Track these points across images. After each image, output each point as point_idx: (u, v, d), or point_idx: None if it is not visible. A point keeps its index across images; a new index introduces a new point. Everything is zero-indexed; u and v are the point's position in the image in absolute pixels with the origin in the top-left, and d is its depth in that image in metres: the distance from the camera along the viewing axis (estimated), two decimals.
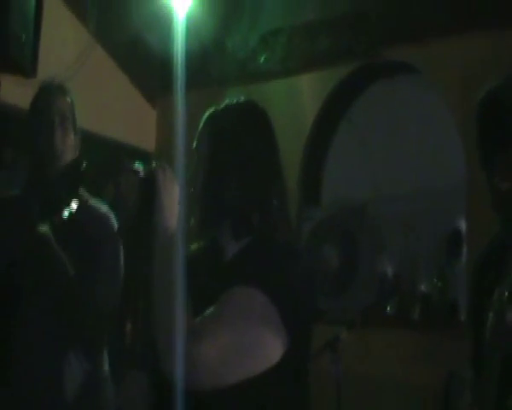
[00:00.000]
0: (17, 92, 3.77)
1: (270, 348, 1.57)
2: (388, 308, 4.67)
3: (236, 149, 1.71)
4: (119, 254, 2.46)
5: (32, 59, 3.64)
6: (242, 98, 1.82)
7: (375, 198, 4.85)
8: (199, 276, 1.67)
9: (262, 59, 5.28)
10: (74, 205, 2.26)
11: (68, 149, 2.49)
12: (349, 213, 4.79)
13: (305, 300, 1.65)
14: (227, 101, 1.82)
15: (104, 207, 2.51)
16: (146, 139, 5.69)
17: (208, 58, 5.37)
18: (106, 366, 2.49)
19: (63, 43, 4.70)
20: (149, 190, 1.66)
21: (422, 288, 4.59)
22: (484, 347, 1.61)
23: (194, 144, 1.78)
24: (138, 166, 1.70)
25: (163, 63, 5.08)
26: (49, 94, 2.53)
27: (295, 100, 5.18)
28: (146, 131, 5.73)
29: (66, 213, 2.23)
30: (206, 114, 1.80)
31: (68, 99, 2.53)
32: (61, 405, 2.37)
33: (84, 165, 2.46)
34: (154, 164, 1.71)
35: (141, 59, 5.51)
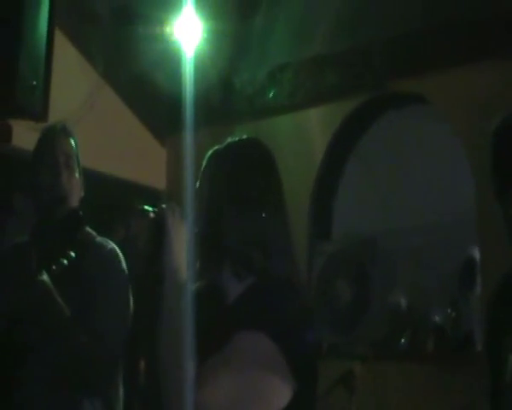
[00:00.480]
0: (28, 137, 3.79)
1: (277, 394, 1.55)
2: (402, 341, 4.61)
3: (235, 187, 1.70)
4: (127, 291, 2.44)
5: (43, 103, 3.66)
6: (245, 136, 1.82)
7: (385, 231, 4.82)
8: (201, 318, 1.65)
9: (270, 94, 5.31)
10: (73, 253, 2.23)
11: (74, 189, 2.49)
12: (360, 246, 4.77)
13: (310, 339, 1.63)
14: (229, 139, 1.82)
15: (111, 245, 2.50)
16: (156, 178, 5.70)
17: (217, 96, 5.40)
18: (120, 407, 2.47)
19: (72, 85, 4.74)
20: (159, 231, 1.66)
21: (436, 319, 4.52)
22: (503, 388, 1.57)
23: (198, 184, 1.77)
24: (148, 207, 1.70)
25: (171, 102, 5.12)
26: (53, 136, 2.55)
27: (304, 135, 5.20)
28: (156, 169, 5.74)
29: (65, 261, 2.21)
30: (209, 152, 1.80)
31: (71, 140, 2.55)
32: None
33: (80, 213, 2.46)
34: (163, 205, 1.70)
35: (149, 98, 5.55)
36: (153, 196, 5.57)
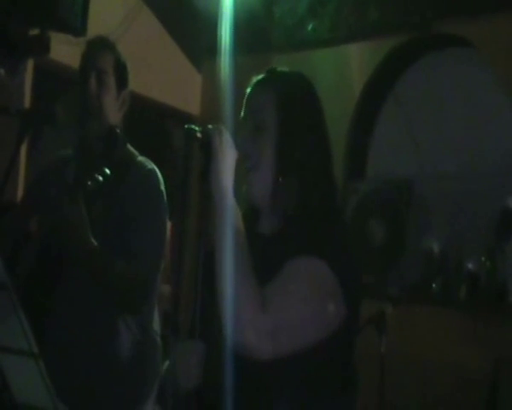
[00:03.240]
0: (67, 51, 3.80)
1: (332, 317, 1.58)
2: (434, 286, 4.59)
3: (283, 116, 1.71)
4: (164, 212, 2.44)
5: (82, 18, 3.66)
6: (288, 68, 1.82)
7: (421, 175, 4.77)
8: (252, 245, 1.64)
9: (310, 27, 5.22)
10: (107, 170, 2.19)
11: (107, 105, 2.44)
12: (396, 188, 4.73)
13: (358, 271, 1.65)
14: (273, 67, 1.81)
15: (151, 165, 2.48)
16: (190, 102, 5.68)
17: (255, 24, 5.32)
18: (155, 333, 2.49)
19: (111, 4, 4.69)
20: (206, 151, 1.65)
21: (470, 267, 4.46)
22: None
23: (250, 109, 1.76)
24: (195, 127, 1.68)
25: (210, 27, 5.06)
26: (90, 49, 2.50)
27: (342, 71, 5.11)
28: (191, 94, 5.72)
29: (100, 178, 2.18)
30: (255, 80, 1.78)
31: (109, 55, 2.48)
32: (111, 371, 2.36)
33: (118, 130, 2.41)
34: (210, 127, 1.68)
35: (188, 22, 5.48)
36: (187, 119, 5.56)
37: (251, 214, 1.77)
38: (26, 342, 1.70)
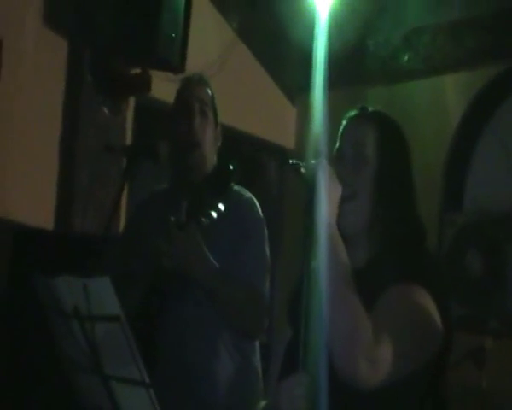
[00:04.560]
0: (167, 88, 3.92)
1: (434, 340, 1.60)
2: None
3: (399, 154, 1.79)
4: (266, 239, 2.47)
5: (181, 56, 3.77)
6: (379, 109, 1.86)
7: None
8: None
9: (405, 58, 5.19)
10: (222, 207, 2.19)
11: (208, 136, 2.51)
12: (495, 220, 4.62)
13: (450, 301, 1.67)
14: (365, 105, 1.85)
15: (248, 194, 2.52)
16: (285, 136, 5.73)
17: (350, 57, 5.33)
18: (257, 360, 2.51)
19: (208, 41, 4.81)
20: (311, 185, 1.66)
21: None
22: None
23: (340, 141, 1.79)
24: (299, 162, 1.70)
25: (304, 60, 5.10)
26: (190, 84, 2.59)
27: (438, 102, 5.03)
28: (285, 128, 5.76)
29: (214, 214, 2.18)
30: (350, 114, 1.81)
31: (207, 89, 2.58)
32: (212, 396, 2.39)
33: (233, 166, 2.34)
34: (314, 162, 1.70)
35: (282, 56, 5.55)
36: (280, 153, 5.61)
37: None
38: (138, 372, 1.75)
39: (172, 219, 2.26)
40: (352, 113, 1.83)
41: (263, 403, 1.79)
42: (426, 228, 1.78)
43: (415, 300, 1.57)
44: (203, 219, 2.19)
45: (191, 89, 2.57)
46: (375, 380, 1.51)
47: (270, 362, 3.14)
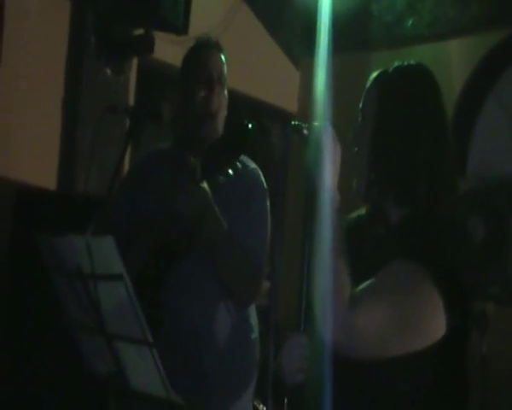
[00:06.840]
0: (170, 49, 3.91)
1: (430, 325, 1.55)
2: None
3: (406, 112, 1.69)
4: (267, 210, 2.47)
5: (184, 18, 3.75)
6: (412, 61, 1.79)
7: None
8: (360, 242, 1.66)
9: (409, 23, 5.15)
10: (234, 169, 2.17)
11: (222, 106, 2.49)
12: (497, 187, 4.63)
13: (468, 279, 1.61)
14: (396, 63, 1.78)
15: (253, 164, 2.51)
16: (288, 100, 5.71)
17: (354, 21, 5.29)
18: (254, 323, 2.52)
19: (212, 3, 4.78)
20: (312, 147, 1.65)
21: None
22: None
23: (361, 104, 1.76)
24: (301, 124, 1.69)
25: (308, 25, 5.07)
26: (207, 50, 2.52)
27: (442, 68, 5.00)
28: (288, 91, 5.75)
29: (225, 178, 2.16)
30: (374, 74, 1.77)
31: (223, 56, 2.52)
32: (211, 348, 2.40)
33: (252, 124, 2.25)
34: (316, 123, 1.69)
35: (286, 20, 5.51)
36: (283, 117, 5.59)
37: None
38: (141, 332, 1.77)
39: (190, 170, 2.23)
40: (377, 72, 1.78)
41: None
42: (450, 186, 1.69)
43: (409, 277, 1.53)
44: (221, 177, 2.17)
45: (209, 55, 2.50)
46: (360, 349, 1.51)
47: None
